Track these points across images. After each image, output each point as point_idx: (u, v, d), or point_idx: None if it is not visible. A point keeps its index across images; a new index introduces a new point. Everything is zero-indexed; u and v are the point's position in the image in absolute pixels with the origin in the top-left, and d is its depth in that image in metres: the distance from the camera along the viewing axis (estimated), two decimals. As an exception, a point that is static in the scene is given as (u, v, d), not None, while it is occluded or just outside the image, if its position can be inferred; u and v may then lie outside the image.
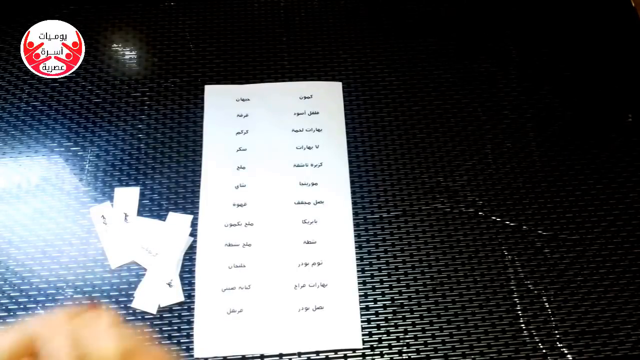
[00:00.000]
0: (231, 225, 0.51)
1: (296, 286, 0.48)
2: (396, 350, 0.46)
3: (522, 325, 0.48)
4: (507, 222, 0.52)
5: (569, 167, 0.55)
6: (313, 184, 0.53)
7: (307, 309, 0.47)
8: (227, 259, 0.49)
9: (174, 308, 0.47)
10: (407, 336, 0.47)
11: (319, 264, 0.49)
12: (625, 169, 0.55)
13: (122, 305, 0.47)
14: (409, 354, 0.46)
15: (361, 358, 0.46)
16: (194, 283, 0.48)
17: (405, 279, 0.49)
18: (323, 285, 0.48)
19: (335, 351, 0.46)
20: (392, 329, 0.47)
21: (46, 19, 0.59)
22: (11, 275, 0.48)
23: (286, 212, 0.51)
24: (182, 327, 0.47)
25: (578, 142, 0.56)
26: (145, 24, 0.61)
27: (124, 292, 0.48)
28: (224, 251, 0.49)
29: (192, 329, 0.46)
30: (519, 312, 0.48)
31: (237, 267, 0.49)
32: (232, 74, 0.58)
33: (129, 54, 0.59)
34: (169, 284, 0.48)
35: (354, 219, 0.52)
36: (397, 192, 0.53)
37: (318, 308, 0.48)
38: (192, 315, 0.47)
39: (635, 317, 0.48)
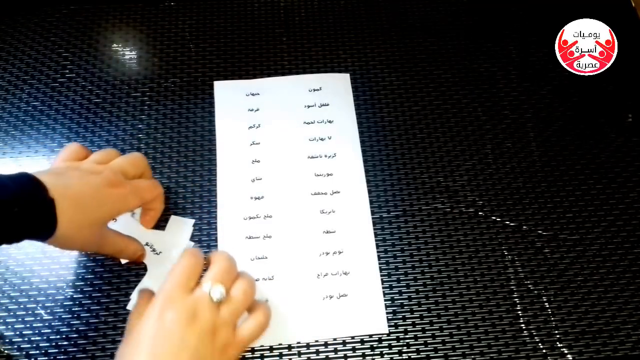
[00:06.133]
0: (250, 218, 0.51)
1: (319, 275, 0.49)
2: (396, 350, 0.46)
3: (522, 325, 0.48)
4: (507, 222, 0.52)
5: (569, 167, 0.55)
6: (328, 175, 0.53)
7: (331, 297, 0.48)
8: (249, 251, 0.50)
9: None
10: (407, 336, 0.47)
11: (339, 252, 0.50)
12: (625, 169, 0.55)
13: (122, 306, 0.47)
14: (409, 354, 0.46)
15: (361, 358, 0.46)
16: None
17: (405, 279, 0.49)
18: (345, 273, 0.49)
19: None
20: (391, 329, 0.47)
21: (46, 19, 0.60)
22: (11, 275, 0.48)
23: (304, 203, 0.52)
24: (182, 327, 0.47)
25: (578, 142, 0.56)
26: (145, 24, 0.61)
27: (123, 292, 0.48)
28: (245, 244, 0.50)
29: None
30: (519, 312, 0.48)
31: (259, 259, 0.49)
32: (232, 74, 0.58)
33: (129, 54, 0.59)
34: None
35: (354, 219, 0.52)
36: (397, 192, 0.53)
37: (342, 296, 0.48)
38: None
39: (635, 317, 0.48)
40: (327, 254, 0.50)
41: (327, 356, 0.46)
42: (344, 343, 0.46)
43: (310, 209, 0.52)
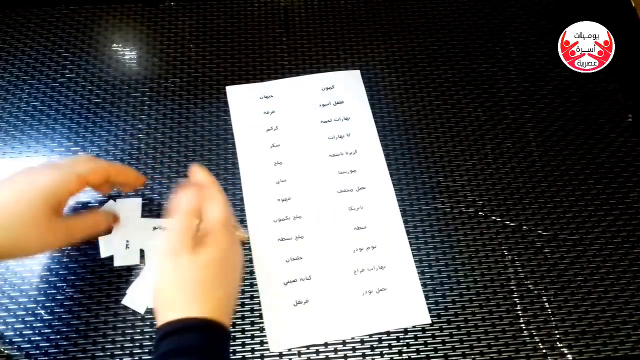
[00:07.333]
0: (280, 220, 0.51)
1: (355, 271, 0.49)
2: (396, 350, 0.46)
3: (522, 325, 0.48)
4: (507, 222, 0.52)
5: (569, 167, 0.55)
6: (352, 172, 0.53)
7: (370, 292, 0.48)
8: (283, 253, 0.50)
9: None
10: (407, 336, 0.47)
11: (373, 247, 0.50)
12: (625, 169, 0.55)
13: (122, 306, 0.47)
14: (409, 354, 0.46)
15: (361, 358, 0.46)
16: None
17: (405, 279, 0.49)
18: (381, 268, 0.49)
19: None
20: (392, 329, 0.47)
21: (46, 19, 0.60)
22: (11, 275, 0.48)
23: (331, 201, 0.52)
24: (182, 327, 0.46)
25: (578, 142, 0.56)
26: (145, 24, 0.61)
27: (122, 292, 0.47)
28: (278, 246, 0.50)
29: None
30: (519, 312, 0.48)
31: (294, 259, 0.49)
32: (232, 73, 0.58)
33: (129, 54, 0.59)
34: None
35: (354, 219, 0.52)
36: (397, 192, 0.53)
37: (381, 290, 0.48)
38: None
39: (635, 317, 0.48)
40: (361, 250, 0.50)
41: (327, 356, 0.46)
42: (344, 343, 0.46)
43: (339, 207, 0.52)
